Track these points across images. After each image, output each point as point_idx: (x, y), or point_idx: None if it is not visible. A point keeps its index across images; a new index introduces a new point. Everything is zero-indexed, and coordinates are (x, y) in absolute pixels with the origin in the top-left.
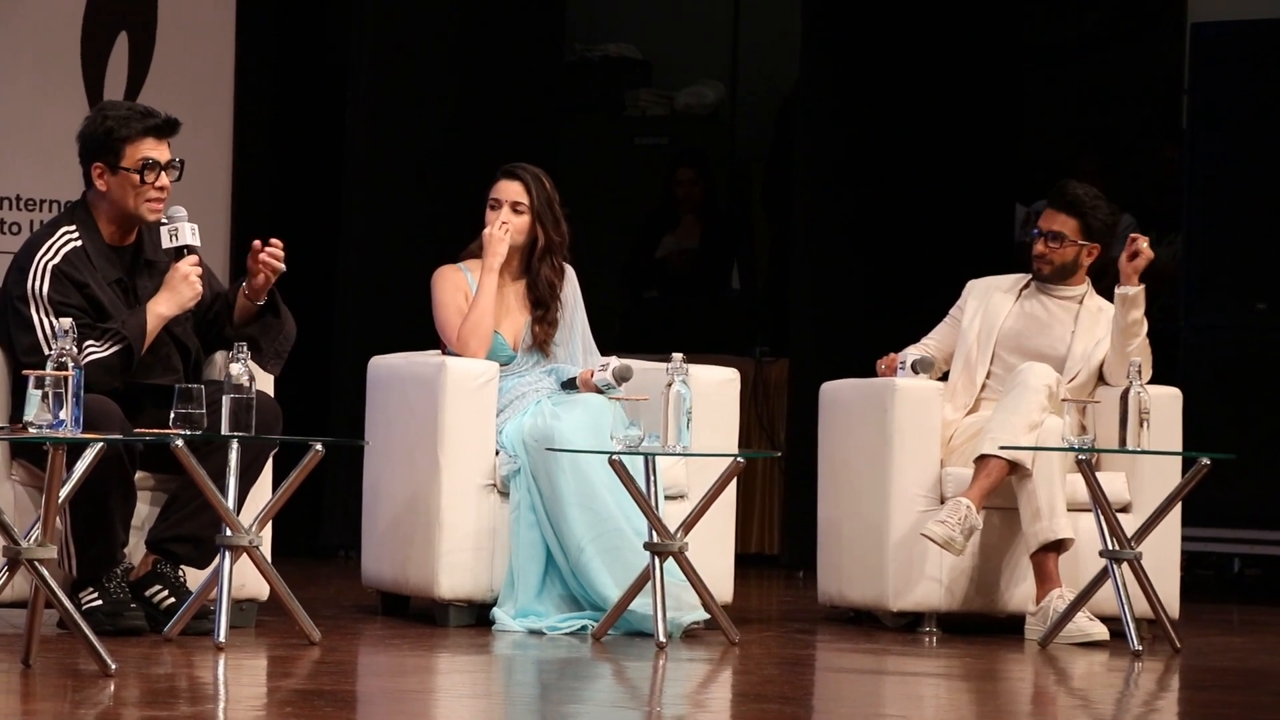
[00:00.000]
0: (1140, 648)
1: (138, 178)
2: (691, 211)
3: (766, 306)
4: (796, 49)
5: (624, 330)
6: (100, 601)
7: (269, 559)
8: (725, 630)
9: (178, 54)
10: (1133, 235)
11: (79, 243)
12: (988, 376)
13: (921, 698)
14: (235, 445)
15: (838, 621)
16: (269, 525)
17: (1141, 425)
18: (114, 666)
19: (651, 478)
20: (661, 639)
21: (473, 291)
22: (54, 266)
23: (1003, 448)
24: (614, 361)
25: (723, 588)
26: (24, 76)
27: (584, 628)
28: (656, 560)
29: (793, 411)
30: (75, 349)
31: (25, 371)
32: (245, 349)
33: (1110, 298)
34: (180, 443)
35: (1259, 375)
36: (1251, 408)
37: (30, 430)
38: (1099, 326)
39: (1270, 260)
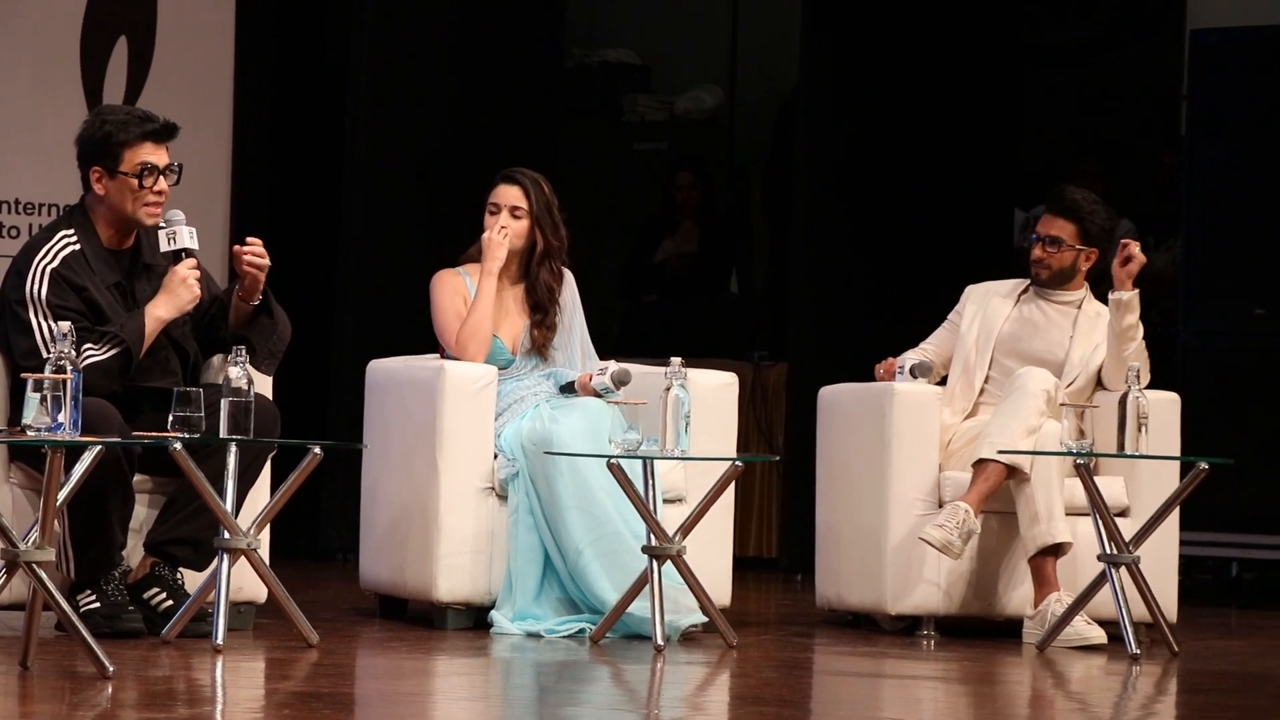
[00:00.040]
0: (1138, 651)
1: (136, 182)
2: (690, 216)
3: (765, 310)
4: (796, 52)
5: (623, 334)
6: (98, 604)
7: (267, 562)
8: (723, 633)
9: (177, 56)
10: (1124, 241)
11: (77, 246)
12: (986, 381)
13: (919, 701)
14: (234, 448)
15: (836, 625)
16: (267, 528)
17: (1140, 430)
18: (112, 669)
19: (650, 481)
20: (659, 642)
21: (471, 295)
22: (52, 270)
23: (1001, 452)
24: (613, 365)
25: (721, 591)
26: (23, 79)
27: (582, 631)
28: (655, 563)
29: (791, 415)
30: (74, 352)
31: (24, 375)
32: (244, 353)
33: (1108, 303)
34: (179, 446)
35: (1257, 380)
36: (1250, 412)
37: (29, 433)
38: (1097, 331)
39: (1269, 266)
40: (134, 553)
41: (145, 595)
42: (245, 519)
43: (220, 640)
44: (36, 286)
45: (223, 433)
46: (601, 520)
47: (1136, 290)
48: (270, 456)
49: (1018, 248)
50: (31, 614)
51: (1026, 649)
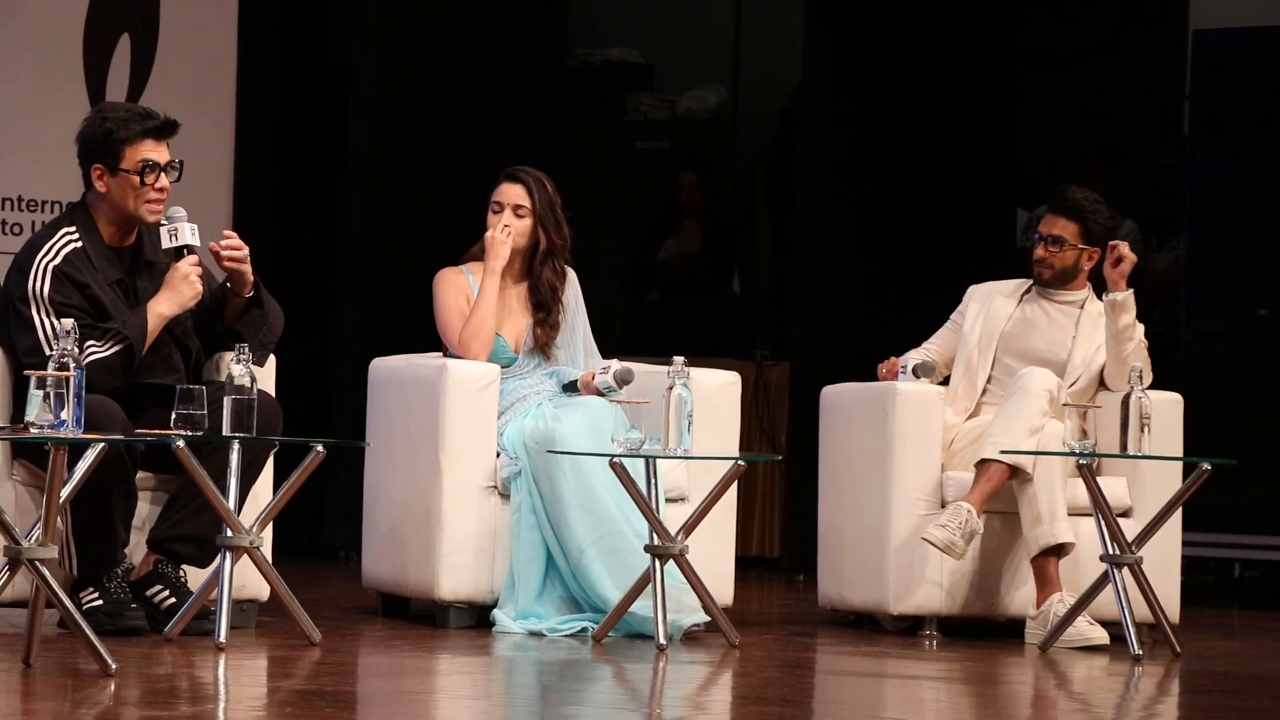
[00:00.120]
0: (1140, 652)
1: (137, 179)
2: (693, 216)
3: (767, 310)
4: (798, 52)
5: (625, 333)
6: (101, 601)
7: (270, 560)
8: (725, 633)
9: (179, 54)
10: (1112, 243)
11: (79, 243)
12: (989, 381)
13: (921, 701)
14: (236, 445)
15: (838, 625)
16: (270, 526)
17: (1142, 430)
18: (114, 666)
19: (652, 480)
20: (662, 641)
21: (474, 294)
22: (55, 267)
23: (1004, 452)
24: (615, 364)
25: (723, 590)
26: (25, 77)
27: (584, 630)
28: (657, 563)
29: (793, 415)
30: (76, 349)
31: (27, 372)
32: (246, 350)
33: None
34: (181, 443)
35: (1260, 381)
36: (1252, 413)
37: (32, 430)
38: (1099, 331)
39: (1271, 266)
40: (136, 550)
41: (148, 593)
42: (248, 517)
43: (223, 638)
44: (39, 283)
45: (225, 430)
46: (604, 519)
47: (1131, 290)
48: (273, 454)
49: (1020, 247)
50: (34, 611)
51: (1029, 649)
